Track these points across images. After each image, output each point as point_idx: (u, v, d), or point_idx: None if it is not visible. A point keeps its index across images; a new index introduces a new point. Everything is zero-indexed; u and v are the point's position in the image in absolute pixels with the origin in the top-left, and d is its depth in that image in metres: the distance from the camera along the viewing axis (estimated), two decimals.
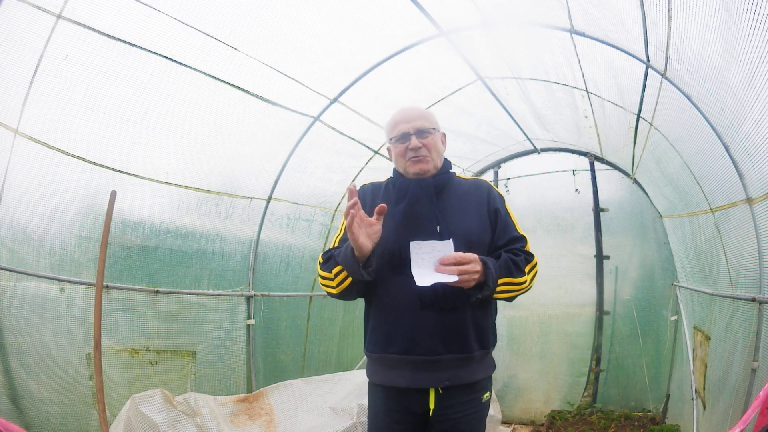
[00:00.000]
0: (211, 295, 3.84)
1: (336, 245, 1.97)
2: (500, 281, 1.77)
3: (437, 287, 1.70)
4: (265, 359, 4.30)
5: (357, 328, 5.31)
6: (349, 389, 3.79)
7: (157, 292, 3.41)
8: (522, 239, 1.93)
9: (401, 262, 1.78)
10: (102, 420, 2.84)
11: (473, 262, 1.70)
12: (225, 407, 3.43)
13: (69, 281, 2.96)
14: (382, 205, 1.72)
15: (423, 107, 2.01)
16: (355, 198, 1.67)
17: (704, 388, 3.37)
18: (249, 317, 4.12)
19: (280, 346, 4.49)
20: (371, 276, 1.77)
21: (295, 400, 3.70)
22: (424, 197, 1.87)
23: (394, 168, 2.03)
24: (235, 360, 4.04)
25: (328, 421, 3.49)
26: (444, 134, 2.05)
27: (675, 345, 4.59)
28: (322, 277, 1.91)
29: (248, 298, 4.13)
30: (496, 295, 1.80)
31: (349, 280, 1.82)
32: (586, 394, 5.15)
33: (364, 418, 3.40)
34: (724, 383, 2.96)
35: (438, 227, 1.84)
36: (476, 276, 1.71)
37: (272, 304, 4.36)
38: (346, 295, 1.89)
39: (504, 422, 5.05)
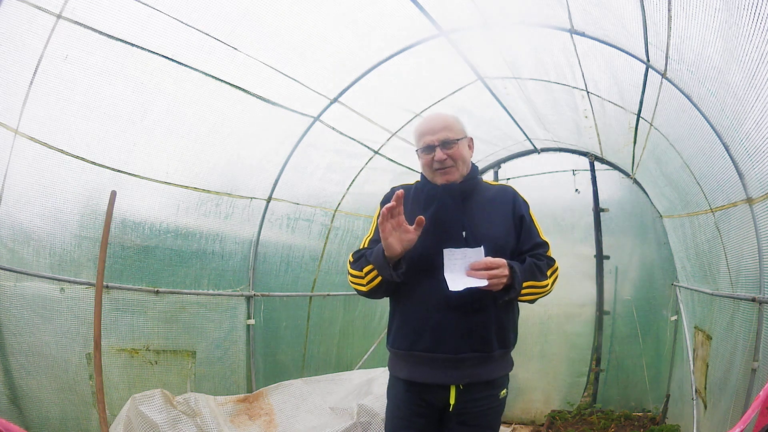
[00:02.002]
0: (211, 295, 3.84)
1: (366, 245, 2.03)
2: (525, 284, 1.84)
3: (473, 287, 1.78)
4: (265, 359, 4.30)
5: (357, 328, 5.31)
6: (349, 389, 3.79)
7: (157, 292, 3.41)
8: (545, 245, 2.01)
9: (429, 266, 1.85)
10: (102, 420, 2.84)
11: (502, 267, 1.76)
12: (225, 407, 3.43)
13: (69, 281, 2.96)
14: (421, 217, 1.77)
15: (450, 115, 2.04)
16: (400, 203, 1.73)
17: (705, 388, 3.37)
18: (249, 317, 4.12)
19: (280, 346, 4.49)
20: (400, 278, 1.83)
21: (295, 400, 3.71)
22: (451, 203, 1.93)
23: (422, 174, 2.08)
24: (235, 360, 4.04)
25: (328, 421, 3.49)
26: (471, 139, 2.07)
27: (675, 345, 4.59)
28: (352, 275, 1.96)
29: (248, 298, 4.13)
30: (520, 298, 1.88)
31: (379, 279, 1.87)
32: (586, 394, 5.15)
33: (364, 418, 3.40)
34: (725, 383, 2.96)
35: (464, 233, 1.90)
36: (504, 280, 1.77)
37: (272, 304, 4.36)
38: (374, 293, 1.94)
39: (504, 422, 5.06)
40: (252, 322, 4.12)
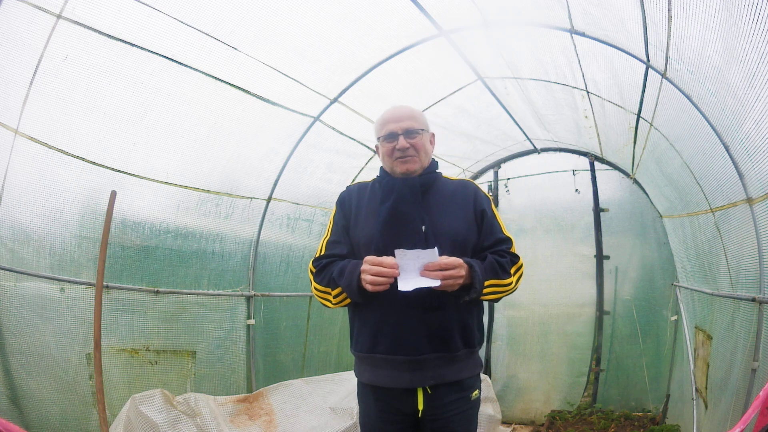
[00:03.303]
0: (211, 295, 3.84)
1: (324, 250, 1.97)
2: (486, 283, 1.79)
3: (424, 287, 1.73)
4: (265, 359, 4.30)
5: None
6: (349, 389, 3.79)
7: (157, 292, 3.41)
8: (508, 241, 1.94)
9: None
10: (102, 420, 2.84)
11: (458, 267, 1.71)
12: (225, 407, 3.43)
13: (69, 281, 2.96)
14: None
15: (413, 107, 2.02)
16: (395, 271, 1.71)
17: (706, 388, 3.37)
18: (249, 317, 4.12)
19: (280, 346, 4.49)
20: (369, 300, 1.81)
21: (295, 400, 3.70)
22: (410, 196, 1.87)
23: (381, 167, 2.03)
24: (235, 360, 4.04)
25: (328, 421, 3.49)
26: (433, 134, 2.04)
27: (675, 345, 4.59)
28: (319, 290, 1.93)
29: (248, 298, 4.13)
30: (483, 297, 1.82)
31: (348, 300, 1.86)
32: (586, 394, 5.15)
33: None
34: (726, 383, 2.96)
35: (423, 226, 1.84)
36: (460, 281, 1.72)
37: (272, 304, 4.36)
38: (340, 307, 1.93)
39: (504, 422, 5.05)
40: (252, 322, 4.12)
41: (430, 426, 1.85)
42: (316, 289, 1.94)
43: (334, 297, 1.87)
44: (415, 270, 1.70)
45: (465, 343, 1.86)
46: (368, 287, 1.71)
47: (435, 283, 1.69)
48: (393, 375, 1.82)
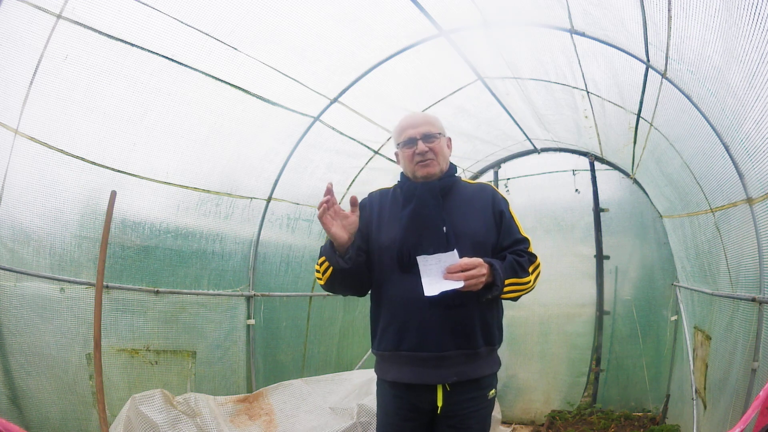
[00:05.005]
0: (211, 295, 3.84)
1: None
2: (507, 282, 1.85)
3: (448, 290, 1.79)
4: (265, 359, 4.30)
5: (357, 328, 5.31)
6: (349, 389, 3.79)
7: (157, 292, 3.41)
8: (525, 241, 2.00)
9: (410, 263, 1.86)
10: (102, 420, 2.84)
11: (479, 267, 1.77)
12: (225, 407, 3.43)
13: (69, 281, 2.96)
14: (354, 196, 1.84)
15: (429, 113, 2.09)
16: (330, 195, 1.82)
17: (705, 388, 3.37)
18: (249, 317, 4.12)
19: (280, 346, 4.49)
20: (348, 264, 1.86)
21: (295, 400, 3.70)
22: (430, 199, 1.94)
23: (402, 173, 2.10)
24: (235, 360, 4.04)
25: (328, 421, 3.49)
26: (450, 139, 2.12)
27: (675, 345, 4.59)
28: (316, 269, 2.03)
29: (248, 298, 4.13)
30: (503, 296, 1.88)
31: (331, 269, 1.91)
32: (586, 394, 5.15)
33: (364, 418, 3.40)
34: (725, 383, 2.96)
35: (444, 228, 1.90)
36: (483, 279, 1.78)
37: (272, 304, 4.36)
38: (331, 284, 1.98)
39: (504, 422, 5.05)
40: (252, 322, 4.12)
41: (446, 422, 1.90)
42: (316, 271, 2.03)
43: (320, 266, 1.96)
44: (438, 274, 1.78)
45: (486, 341, 1.92)
46: (320, 219, 1.81)
47: (458, 285, 1.75)
48: (417, 372, 1.87)
